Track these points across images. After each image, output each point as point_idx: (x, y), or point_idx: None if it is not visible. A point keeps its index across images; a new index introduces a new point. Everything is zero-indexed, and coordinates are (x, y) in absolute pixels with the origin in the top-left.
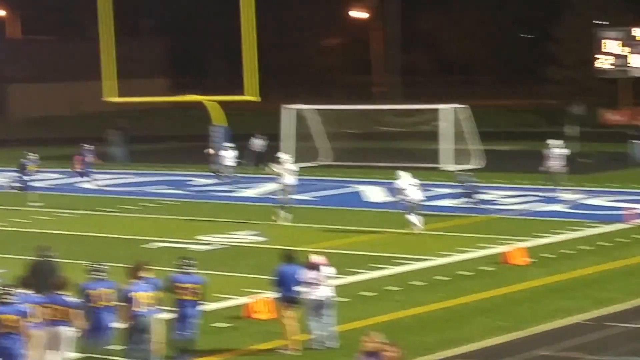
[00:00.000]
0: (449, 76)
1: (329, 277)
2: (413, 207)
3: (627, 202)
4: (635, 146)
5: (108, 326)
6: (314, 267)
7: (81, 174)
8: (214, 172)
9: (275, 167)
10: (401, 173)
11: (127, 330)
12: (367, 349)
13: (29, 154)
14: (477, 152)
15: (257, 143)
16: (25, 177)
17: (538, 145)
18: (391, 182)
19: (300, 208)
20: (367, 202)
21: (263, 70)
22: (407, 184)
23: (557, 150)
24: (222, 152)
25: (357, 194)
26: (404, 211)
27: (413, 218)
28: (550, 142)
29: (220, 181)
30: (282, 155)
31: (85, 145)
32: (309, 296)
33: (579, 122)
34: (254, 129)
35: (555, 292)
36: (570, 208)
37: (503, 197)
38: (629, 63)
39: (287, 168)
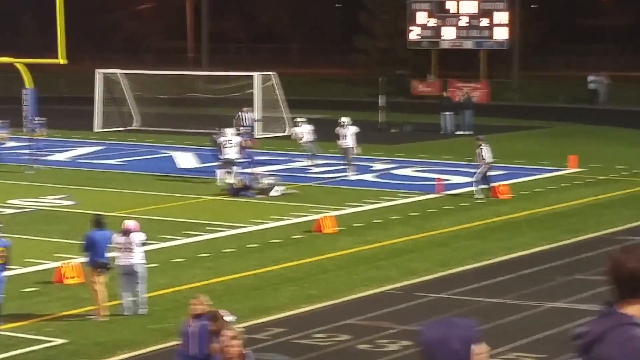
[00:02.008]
0: (261, 44)
1: (140, 243)
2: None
3: (438, 173)
4: (446, 117)
5: None
6: (126, 232)
7: None
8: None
9: None
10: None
11: None
12: (196, 311)
13: None
14: (287, 120)
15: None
16: None
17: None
18: (203, 149)
19: (111, 173)
20: (180, 168)
21: (77, 33)
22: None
23: (351, 128)
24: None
25: (169, 159)
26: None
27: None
28: (344, 119)
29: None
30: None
31: None
32: (120, 262)
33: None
34: (62, 92)
35: (365, 262)
36: (381, 178)
37: (315, 166)
38: (441, 35)
39: None
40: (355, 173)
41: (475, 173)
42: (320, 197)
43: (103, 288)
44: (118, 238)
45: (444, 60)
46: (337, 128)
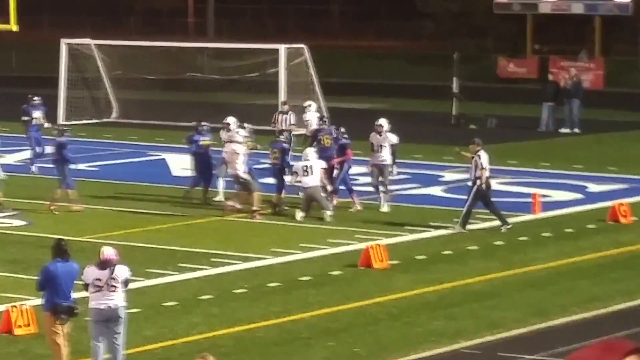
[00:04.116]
0: (287, 4)
1: (125, 281)
2: None
3: (534, 187)
4: (548, 110)
5: None
6: (106, 264)
7: None
8: None
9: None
10: None
11: None
12: None
13: None
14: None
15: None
16: None
17: (407, 104)
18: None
19: (79, 182)
20: (175, 176)
21: None
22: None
23: (389, 137)
24: None
25: (159, 163)
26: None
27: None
28: (382, 122)
29: None
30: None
31: None
32: (98, 304)
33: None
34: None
35: (430, 309)
36: (453, 192)
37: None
38: None
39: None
40: (390, 202)
41: (470, 190)
42: (368, 218)
43: (66, 341)
44: (94, 272)
45: (542, 31)
46: (372, 134)
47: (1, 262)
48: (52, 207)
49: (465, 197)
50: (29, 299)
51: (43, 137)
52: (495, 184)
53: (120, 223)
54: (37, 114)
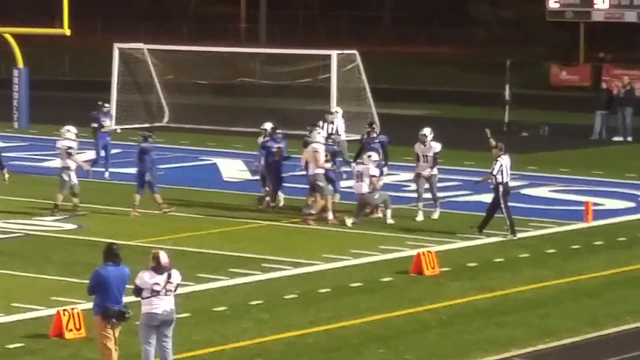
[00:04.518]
0: (339, 11)
1: (175, 285)
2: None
3: (586, 195)
4: (601, 118)
5: None
6: (164, 269)
7: None
8: None
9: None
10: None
11: None
12: None
13: None
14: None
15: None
16: None
17: (459, 111)
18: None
19: (129, 186)
20: (226, 180)
21: None
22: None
23: (433, 145)
24: None
25: (211, 168)
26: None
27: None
28: (426, 131)
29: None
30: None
31: None
32: (155, 309)
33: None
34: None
35: (482, 317)
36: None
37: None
38: (593, 3)
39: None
40: (440, 209)
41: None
42: (419, 225)
43: (117, 345)
44: (153, 277)
45: (595, 38)
46: (417, 144)
47: (52, 265)
48: (134, 214)
49: (516, 204)
50: (79, 303)
51: (111, 142)
52: (547, 192)
53: (171, 227)
54: (107, 121)
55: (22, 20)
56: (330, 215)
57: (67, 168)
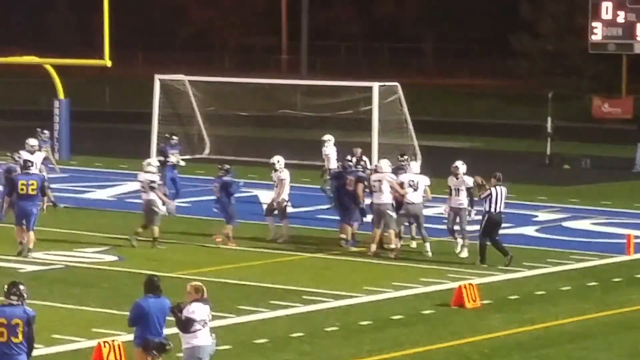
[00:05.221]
0: (380, 42)
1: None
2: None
3: (629, 228)
4: None
5: None
6: (205, 300)
7: None
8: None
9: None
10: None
11: None
12: None
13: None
14: (417, 148)
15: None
16: None
17: (501, 144)
18: (303, 187)
19: (170, 218)
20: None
21: (128, 26)
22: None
23: (466, 180)
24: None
25: (252, 200)
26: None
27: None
28: (458, 164)
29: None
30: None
31: None
32: (205, 342)
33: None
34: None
35: (523, 349)
36: (547, 232)
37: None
38: (636, 35)
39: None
40: (468, 247)
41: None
42: (461, 258)
43: None
44: (204, 309)
45: (637, 71)
46: (450, 177)
47: (93, 297)
48: (231, 244)
49: (558, 237)
50: (120, 335)
51: (179, 175)
52: (589, 225)
53: (212, 259)
54: (175, 155)
55: (63, 51)
56: (373, 247)
57: (154, 201)
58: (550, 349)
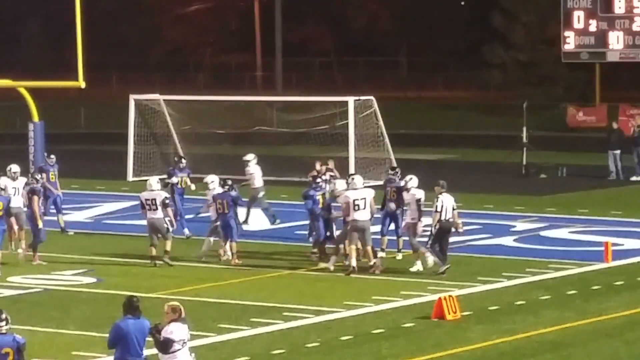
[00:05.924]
0: (354, 57)
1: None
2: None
3: (606, 235)
4: (615, 157)
5: None
6: (184, 320)
7: None
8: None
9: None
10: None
11: None
12: None
13: None
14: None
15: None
16: None
17: (477, 155)
18: (281, 203)
19: (148, 238)
20: (247, 230)
21: (101, 46)
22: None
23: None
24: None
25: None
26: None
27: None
28: (407, 177)
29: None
30: None
31: None
32: None
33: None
34: (78, 126)
35: None
36: (525, 242)
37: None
38: (608, 43)
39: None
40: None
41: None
42: (439, 270)
43: None
44: (183, 329)
45: (610, 79)
46: (403, 192)
47: (72, 320)
48: (235, 262)
49: (536, 246)
50: (100, 357)
51: (185, 197)
52: (567, 233)
53: (191, 278)
54: (176, 178)
55: (36, 73)
56: (353, 262)
57: (162, 218)
58: (532, 359)
